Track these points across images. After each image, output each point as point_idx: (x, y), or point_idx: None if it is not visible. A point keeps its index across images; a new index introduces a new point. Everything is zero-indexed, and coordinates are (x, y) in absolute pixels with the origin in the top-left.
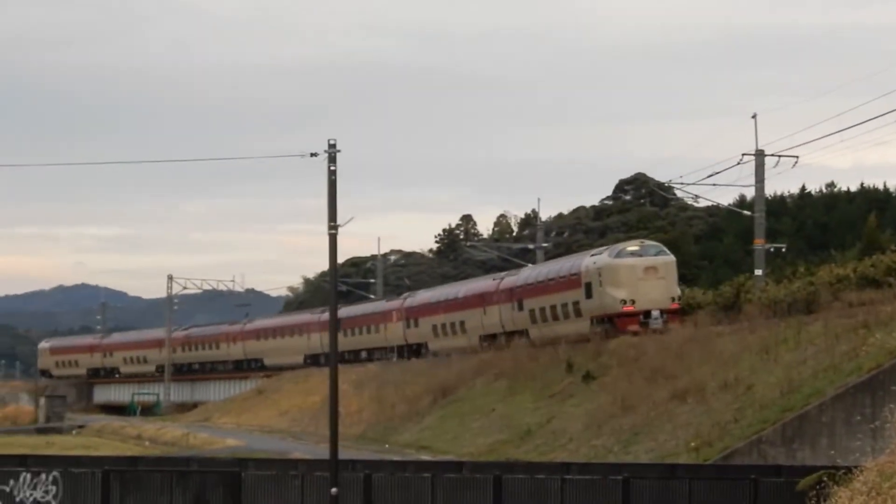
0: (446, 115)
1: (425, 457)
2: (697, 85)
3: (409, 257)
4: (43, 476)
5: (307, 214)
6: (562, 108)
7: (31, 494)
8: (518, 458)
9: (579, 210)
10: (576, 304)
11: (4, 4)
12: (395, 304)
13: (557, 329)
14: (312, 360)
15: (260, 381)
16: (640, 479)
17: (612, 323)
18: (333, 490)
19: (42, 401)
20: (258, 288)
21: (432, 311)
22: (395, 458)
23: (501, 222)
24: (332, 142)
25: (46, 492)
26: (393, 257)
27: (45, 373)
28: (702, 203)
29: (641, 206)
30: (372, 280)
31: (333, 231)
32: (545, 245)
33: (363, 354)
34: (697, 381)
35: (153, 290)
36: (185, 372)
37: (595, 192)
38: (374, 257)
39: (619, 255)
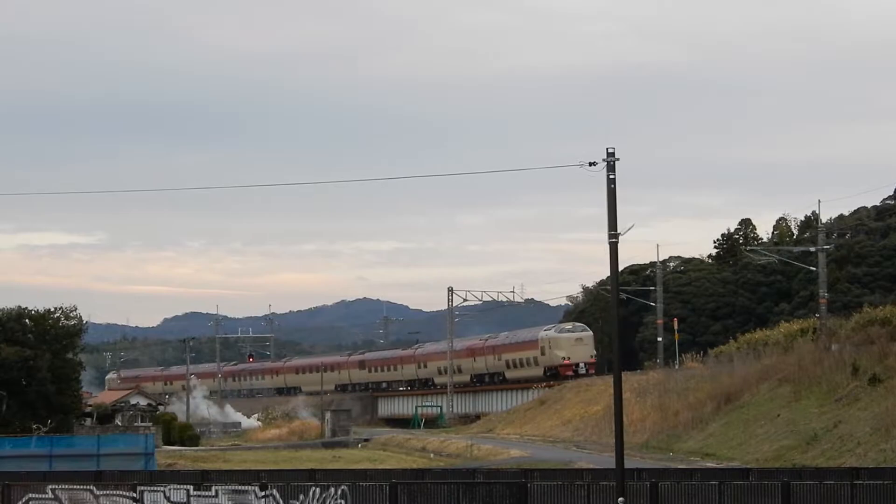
0: (722, 119)
1: (711, 464)
2: None
3: (687, 263)
4: (332, 490)
5: (586, 223)
6: (840, 106)
7: None
8: (805, 463)
9: (860, 210)
10: (535, 358)
11: (280, 24)
12: (408, 352)
13: (522, 373)
14: (342, 388)
15: (542, 392)
16: None
17: (557, 371)
18: (620, 499)
19: (328, 415)
20: (538, 298)
21: (437, 357)
22: (681, 465)
23: (781, 225)
24: (610, 150)
25: None
26: (672, 264)
27: None
28: None
29: None
30: (651, 287)
31: (614, 240)
32: (827, 247)
33: (384, 385)
34: None
35: (434, 302)
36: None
37: (877, 192)
38: (653, 264)
39: (560, 331)
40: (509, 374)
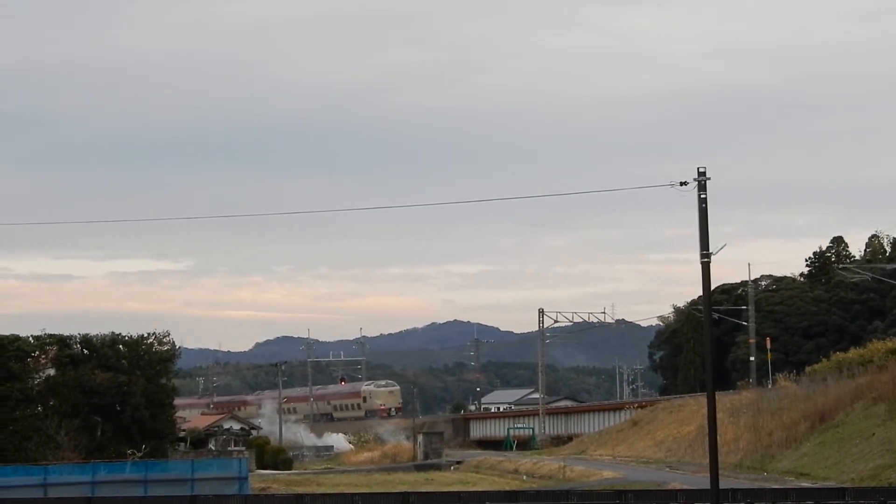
0: (810, 137)
1: (806, 484)
2: None
3: (779, 282)
4: None
5: (672, 243)
6: None
7: None
8: None
9: None
10: (358, 404)
11: (369, 53)
12: (251, 397)
13: (347, 414)
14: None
15: (635, 413)
16: None
17: (376, 413)
18: None
19: (420, 438)
20: (628, 319)
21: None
22: (775, 486)
23: (874, 243)
24: (701, 169)
25: None
26: (763, 283)
27: None
28: None
29: None
30: (743, 307)
31: (706, 259)
32: None
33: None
34: None
35: (524, 324)
36: None
37: None
38: (744, 284)
39: (378, 385)
40: (336, 415)
